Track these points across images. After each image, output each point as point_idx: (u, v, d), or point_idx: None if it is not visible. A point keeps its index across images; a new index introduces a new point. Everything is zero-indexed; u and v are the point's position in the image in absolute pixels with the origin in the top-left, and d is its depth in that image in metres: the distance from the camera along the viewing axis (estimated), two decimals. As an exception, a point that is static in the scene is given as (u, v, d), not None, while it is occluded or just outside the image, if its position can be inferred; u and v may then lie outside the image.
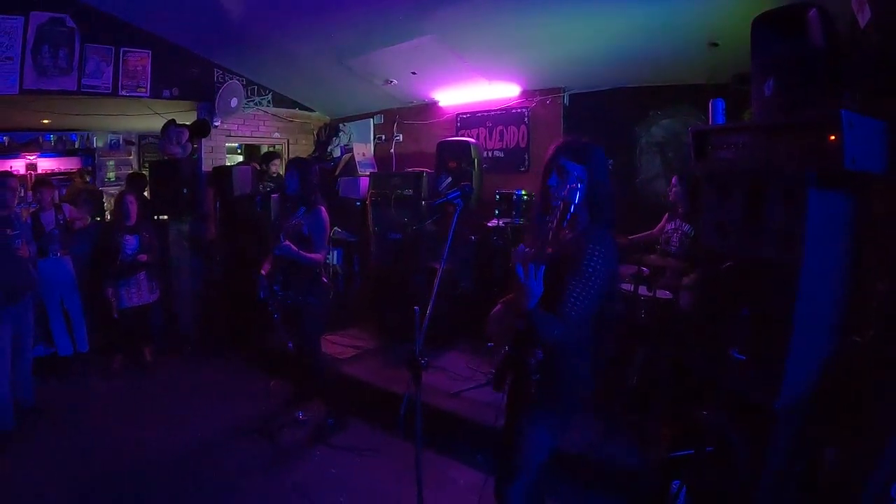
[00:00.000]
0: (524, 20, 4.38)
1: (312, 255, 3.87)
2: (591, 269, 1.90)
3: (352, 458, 3.74)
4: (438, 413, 3.89)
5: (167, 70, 5.83)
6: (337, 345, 5.43)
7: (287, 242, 3.80)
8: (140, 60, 5.55)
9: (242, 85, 6.45)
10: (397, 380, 4.44)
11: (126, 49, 5.47)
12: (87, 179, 7.32)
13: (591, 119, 5.30)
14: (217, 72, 6.29)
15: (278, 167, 6.78)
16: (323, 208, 3.99)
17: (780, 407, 2.40)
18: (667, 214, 4.37)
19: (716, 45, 4.06)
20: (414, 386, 2.28)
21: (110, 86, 5.41)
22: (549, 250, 1.99)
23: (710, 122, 3.03)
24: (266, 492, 3.38)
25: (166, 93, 5.87)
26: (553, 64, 5.12)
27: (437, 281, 2.35)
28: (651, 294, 3.80)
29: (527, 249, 1.96)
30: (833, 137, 2.21)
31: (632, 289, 3.76)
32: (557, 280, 1.91)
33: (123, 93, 5.52)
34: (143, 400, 4.67)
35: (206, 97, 6.20)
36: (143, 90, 5.66)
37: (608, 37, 4.34)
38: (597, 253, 1.91)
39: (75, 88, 5.21)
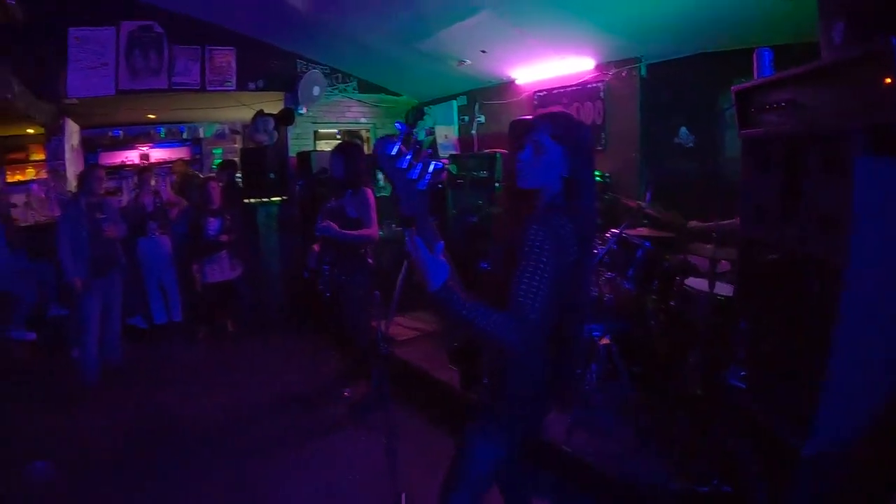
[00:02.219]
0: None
1: (365, 232, 3.90)
2: (536, 251, 1.58)
3: (379, 439, 3.73)
4: (459, 397, 3.76)
5: (251, 64, 6.23)
6: (400, 326, 5.44)
7: (325, 223, 3.86)
8: (225, 57, 5.97)
9: (325, 74, 6.68)
10: (445, 367, 4.38)
11: (211, 47, 5.93)
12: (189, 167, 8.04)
13: (670, 90, 4.77)
14: (300, 62, 6.57)
15: None
16: (369, 190, 4.01)
17: (810, 456, 1.89)
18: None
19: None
20: (379, 375, 2.21)
21: (198, 82, 5.90)
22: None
23: (756, 77, 2.53)
24: (291, 460, 3.53)
25: (251, 85, 6.25)
26: (627, 31, 4.64)
27: (402, 272, 2.22)
28: (709, 290, 3.30)
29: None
30: (889, 80, 1.60)
31: (679, 281, 3.32)
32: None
33: (211, 88, 5.97)
34: (215, 367, 5.11)
35: (290, 87, 6.51)
36: (230, 84, 6.10)
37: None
38: (541, 233, 1.60)
39: (166, 86, 5.77)
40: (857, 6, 2.08)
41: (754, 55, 2.51)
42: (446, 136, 7.20)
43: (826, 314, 1.83)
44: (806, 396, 1.87)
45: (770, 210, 2.27)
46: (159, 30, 5.56)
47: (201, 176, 7.22)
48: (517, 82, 6.28)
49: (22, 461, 3.40)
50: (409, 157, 1.47)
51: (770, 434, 2.03)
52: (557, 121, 1.77)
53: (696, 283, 3.45)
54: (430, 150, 1.52)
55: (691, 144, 4.72)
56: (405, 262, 2.19)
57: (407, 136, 1.48)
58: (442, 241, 1.54)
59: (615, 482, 2.91)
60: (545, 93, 6.02)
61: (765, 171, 2.32)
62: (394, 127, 7.53)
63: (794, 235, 2.08)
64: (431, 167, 1.50)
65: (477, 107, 6.95)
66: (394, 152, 1.46)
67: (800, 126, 2.06)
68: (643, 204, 3.78)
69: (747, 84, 2.44)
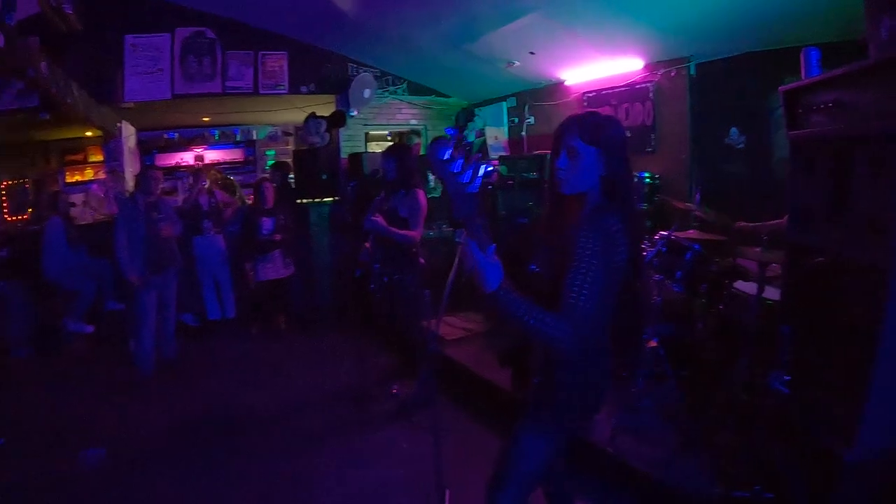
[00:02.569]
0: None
1: (408, 232, 3.98)
2: (587, 253, 1.60)
3: (425, 436, 3.80)
4: (507, 397, 3.79)
5: (303, 67, 6.45)
6: (449, 326, 5.47)
7: (375, 217, 3.97)
8: (277, 61, 6.22)
9: (376, 76, 6.82)
10: (493, 367, 4.42)
11: (264, 52, 6.19)
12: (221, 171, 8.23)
13: (720, 90, 4.67)
14: (351, 66, 6.74)
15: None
16: (421, 192, 4.08)
17: (854, 462, 1.84)
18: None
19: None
20: (427, 373, 2.25)
21: (251, 86, 6.16)
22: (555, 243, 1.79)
23: (804, 77, 2.48)
24: (339, 454, 3.61)
25: (304, 88, 6.46)
26: (676, 30, 4.57)
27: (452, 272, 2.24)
28: (758, 294, 3.21)
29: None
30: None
31: (728, 284, 3.26)
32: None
33: (264, 91, 6.21)
34: (266, 361, 5.28)
35: (341, 90, 6.68)
36: (282, 88, 6.33)
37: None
38: (591, 235, 1.62)
39: (220, 90, 6.06)
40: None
41: (801, 54, 2.45)
42: (496, 138, 7.23)
43: (872, 318, 1.79)
44: (850, 402, 1.82)
45: (816, 213, 2.22)
46: (212, 35, 5.83)
47: (232, 179, 7.48)
48: (566, 83, 6.27)
49: (77, 447, 3.59)
50: (460, 160, 1.49)
51: (813, 439, 1.99)
52: (584, 122, 1.76)
53: (746, 286, 3.38)
54: (479, 154, 1.57)
55: (742, 145, 4.61)
56: (455, 262, 2.24)
57: (458, 141, 1.51)
58: (493, 244, 1.56)
59: (658, 486, 2.88)
60: (594, 94, 5.98)
61: (811, 174, 2.27)
62: (444, 130, 7.67)
63: (841, 239, 2.04)
64: (482, 171, 1.52)
65: (526, 108, 6.96)
66: (446, 157, 1.50)
67: (846, 127, 2.02)
68: (692, 206, 3.74)
69: (794, 84, 2.39)
